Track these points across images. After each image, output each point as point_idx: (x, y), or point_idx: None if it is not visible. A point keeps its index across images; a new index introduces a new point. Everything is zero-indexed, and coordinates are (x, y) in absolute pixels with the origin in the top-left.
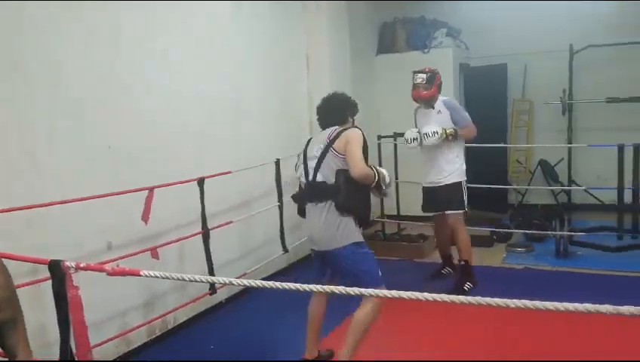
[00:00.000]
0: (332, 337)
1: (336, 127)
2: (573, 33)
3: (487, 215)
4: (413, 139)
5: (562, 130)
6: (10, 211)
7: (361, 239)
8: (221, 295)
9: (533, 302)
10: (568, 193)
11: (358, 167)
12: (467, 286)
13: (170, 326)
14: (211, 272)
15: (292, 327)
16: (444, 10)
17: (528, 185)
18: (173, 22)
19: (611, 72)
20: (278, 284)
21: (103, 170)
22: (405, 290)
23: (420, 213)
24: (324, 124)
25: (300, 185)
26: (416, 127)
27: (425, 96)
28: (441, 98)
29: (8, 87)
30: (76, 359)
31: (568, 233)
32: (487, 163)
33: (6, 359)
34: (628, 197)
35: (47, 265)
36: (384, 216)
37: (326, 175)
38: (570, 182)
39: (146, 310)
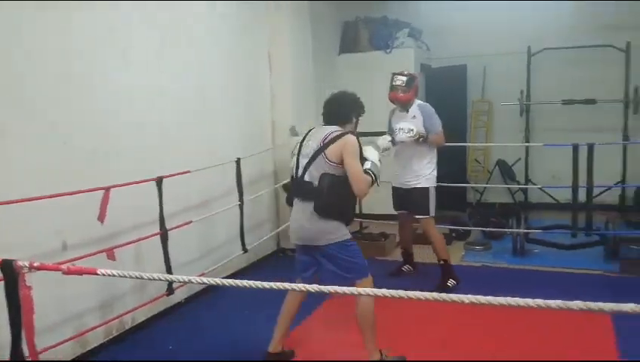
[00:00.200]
0: (292, 336)
1: (335, 128)
2: (532, 35)
3: (446, 213)
4: (386, 149)
5: (520, 130)
6: None
7: (348, 236)
8: (180, 294)
9: (487, 297)
10: (525, 192)
11: (357, 189)
12: (450, 282)
13: (127, 327)
14: (169, 273)
15: (251, 326)
16: (405, 11)
17: (486, 184)
18: (135, 20)
19: (567, 74)
20: (230, 282)
21: (58, 168)
22: None
23: (382, 212)
24: (326, 120)
25: (292, 174)
26: (389, 127)
27: (402, 98)
28: (417, 102)
29: None
30: (28, 360)
31: (525, 231)
32: (446, 162)
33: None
34: (582, 196)
35: None
36: None
37: (313, 176)
38: (527, 181)
39: (104, 310)
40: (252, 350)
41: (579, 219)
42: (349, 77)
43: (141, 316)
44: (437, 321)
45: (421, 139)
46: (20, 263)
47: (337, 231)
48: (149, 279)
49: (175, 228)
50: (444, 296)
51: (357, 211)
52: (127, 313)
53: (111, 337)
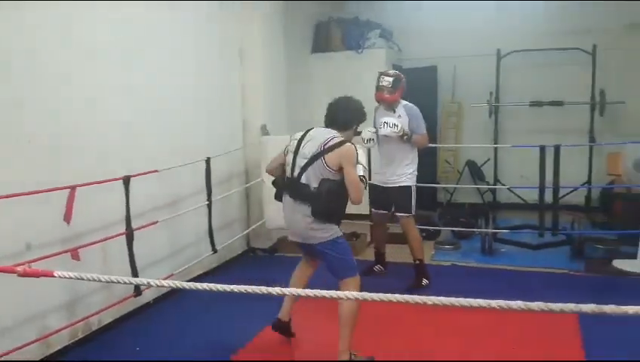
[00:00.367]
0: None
1: (335, 134)
2: (501, 38)
3: (417, 213)
4: (370, 140)
5: (489, 131)
6: None
7: (339, 233)
8: (149, 295)
9: (450, 299)
10: (494, 192)
11: (354, 198)
12: (424, 282)
13: (94, 328)
14: (135, 273)
15: (220, 327)
16: (376, 12)
17: (456, 185)
18: (101, 17)
19: (535, 76)
20: (190, 285)
21: (22, 167)
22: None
23: (353, 212)
24: (328, 123)
25: (285, 170)
26: (374, 125)
27: (388, 99)
28: (402, 103)
29: None
30: None
31: (493, 231)
32: (417, 162)
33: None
34: (550, 196)
35: None
36: None
37: (310, 179)
38: (496, 181)
39: (69, 312)
40: (221, 350)
41: (545, 219)
42: (321, 76)
43: (108, 317)
44: (405, 321)
45: (405, 137)
46: None
47: (329, 230)
48: (107, 282)
49: (141, 227)
50: (407, 297)
51: None
52: (93, 314)
53: (76, 339)
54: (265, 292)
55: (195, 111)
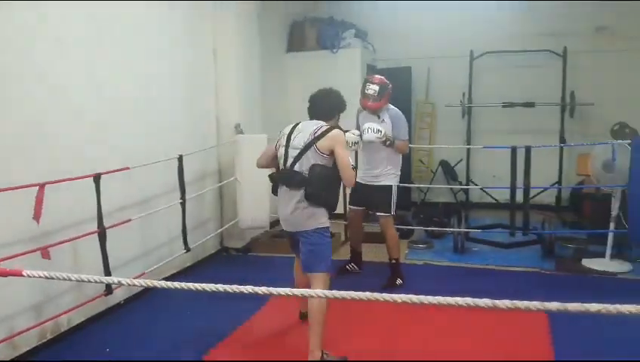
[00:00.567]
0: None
1: (322, 123)
2: (474, 39)
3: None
4: (355, 143)
5: (462, 132)
6: None
7: (327, 224)
8: (120, 295)
9: (419, 296)
10: (466, 192)
11: (347, 177)
12: (398, 281)
13: (63, 329)
14: (107, 272)
15: (192, 327)
16: (351, 12)
17: (430, 184)
18: (70, 10)
19: (508, 77)
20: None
21: None
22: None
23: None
24: (313, 115)
25: (277, 165)
26: (357, 125)
27: (373, 107)
28: (388, 107)
29: None
30: None
31: (465, 230)
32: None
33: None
34: (521, 196)
35: None
36: None
37: (304, 167)
38: (468, 181)
39: (37, 312)
40: (192, 350)
41: (517, 218)
42: (296, 75)
43: (78, 317)
44: (377, 320)
45: (387, 143)
46: None
47: (318, 219)
48: (77, 281)
49: (113, 226)
50: (376, 295)
51: None
52: (62, 314)
53: (45, 340)
54: (236, 291)
55: (169, 110)
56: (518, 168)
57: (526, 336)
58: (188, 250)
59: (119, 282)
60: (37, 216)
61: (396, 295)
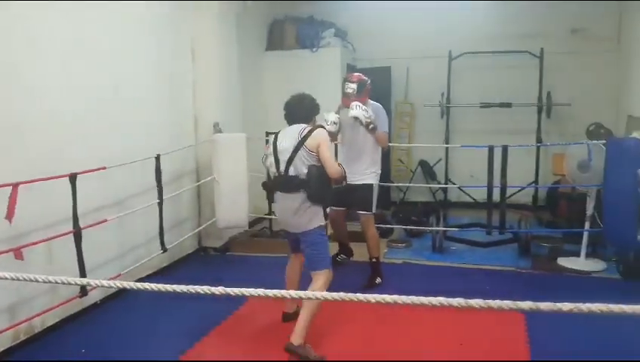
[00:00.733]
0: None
1: (304, 125)
2: (453, 40)
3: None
4: (333, 122)
5: (441, 131)
6: None
7: (322, 222)
8: (96, 295)
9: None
10: (445, 191)
11: (333, 172)
12: (378, 280)
13: (37, 331)
14: (83, 273)
15: (168, 327)
16: (331, 12)
17: (409, 184)
18: (45, 8)
19: (486, 78)
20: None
21: None
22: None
23: None
24: (292, 120)
25: (268, 174)
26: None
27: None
28: (370, 102)
29: None
30: None
31: (443, 229)
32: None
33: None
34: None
35: None
36: (271, 213)
37: (298, 169)
38: (447, 180)
39: (11, 314)
40: (169, 351)
41: (494, 217)
42: (276, 74)
43: (53, 319)
44: (355, 320)
45: (371, 126)
46: None
47: (316, 220)
48: (48, 282)
49: (89, 226)
50: (350, 295)
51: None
52: (36, 316)
53: (19, 341)
54: (208, 292)
55: (146, 109)
56: (495, 168)
57: (502, 335)
58: (165, 250)
59: (88, 283)
60: (10, 216)
61: (370, 295)
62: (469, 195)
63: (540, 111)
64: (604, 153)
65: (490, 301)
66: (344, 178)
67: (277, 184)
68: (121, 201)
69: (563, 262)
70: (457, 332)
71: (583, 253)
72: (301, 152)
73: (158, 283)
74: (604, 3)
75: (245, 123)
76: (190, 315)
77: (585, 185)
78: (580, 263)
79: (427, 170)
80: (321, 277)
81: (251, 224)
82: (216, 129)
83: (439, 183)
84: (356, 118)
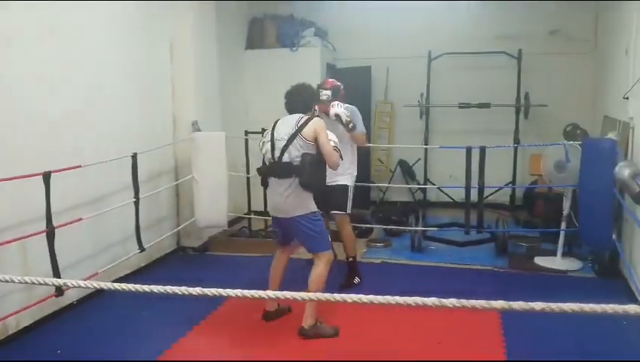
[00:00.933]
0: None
1: (302, 114)
2: (432, 41)
3: (351, 211)
4: (337, 115)
5: (420, 131)
6: None
7: (315, 208)
8: (72, 295)
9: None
10: (424, 191)
11: (332, 161)
12: (356, 280)
13: (11, 331)
14: (56, 273)
15: (146, 327)
16: (311, 11)
17: (389, 183)
18: (20, 7)
19: (465, 78)
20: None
21: None
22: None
23: None
24: (292, 109)
25: (264, 160)
26: None
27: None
28: (345, 105)
29: None
30: None
31: (422, 229)
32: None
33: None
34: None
35: None
36: (251, 212)
37: (292, 156)
38: (426, 180)
39: None
40: (147, 351)
41: (472, 217)
42: (255, 73)
43: (28, 319)
44: (332, 320)
45: (351, 125)
46: None
47: (308, 204)
48: (19, 282)
49: (63, 225)
50: (327, 295)
51: (263, 209)
52: (10, 316)
53: None
54: (186, 293)
55: (123, 107)
56: (473, 168)
57: (478, 333)
58: (142, 249)
59: (65, 284)
60: None
61: (347, 295)
62: (447, 195)
63: (517, 112)
64: (580, 153)
65: (464, 300)
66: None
67: (271, 170)
68: (97, 200)
69: (540, 261)
70: (435, 331)
71: (559, 252)
72: (297, 140)
73: (135, 283)
74: (581, 5)
75: (225, 121)
76: (168, 315)
77: (561, 185)
78: (556, 262)
79: (406, 169)
80: (322, 259)
81: (230, 223)
82: (195, 127)
83: (418, 183)
84: (338, 116)
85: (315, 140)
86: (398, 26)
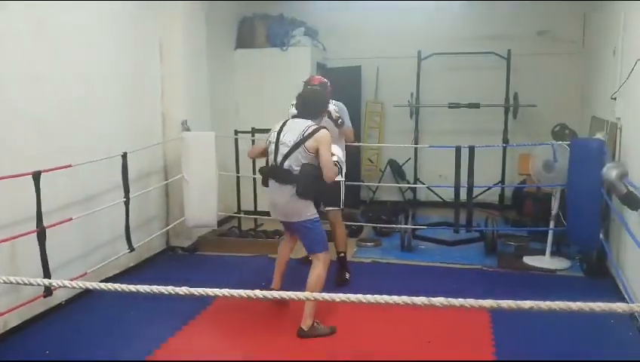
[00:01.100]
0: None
1: (310, 123)
2: (422, 41)
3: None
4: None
5: (410, 131)
6: None
7: (315, 215)
8: (61, 295)
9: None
10: (414, 190)
11: (329, 175)
12: (347, 274)
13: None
14: (46, 273)
15: (135, 326)
16: (301, 11)
17: (379, 183)
18: (8, 3)
19: (454, 78)
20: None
21: None
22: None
23: None
24: (302, 114)
25: (267, 160)
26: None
27: None
28: (333, 101)
29: None
30: None
31: (412, 228)
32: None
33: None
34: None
35: None
36: (241, 212)
37: (292, 165)
38: (416, 180)
39: None
40: (136, 351)
41: (461, 216)
42: (245, 72)
43: (15, 319)
44: (322, 319)
45: (339, 121)
46: None
47: (306, 211)
48: (5, 283)
49: (54, 225)
50: (316, 295)
51: (252, 209)
52: None
53: None
54: (172, 292)
55: (113, 106)
56: (462, 167)
57: (468, 332)
58: (132, 249)
59: (51, 284)
60: None
61: (335, 294)
62: (437, 195)
63: (507, 112)
64: (568, 153)
65: (452, 299)
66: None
67: (271, 173)
68: (87, 200)
69: (528, 260)
70: (425, 330)
71: (547, 251)
72: (299, 150)
73: (124, 283)
74: (569, 5)
75: (214, 121)
76: (157, 315)
77: (550, 185)
78: (544, 261)
79: (396, 169)
80: (319, 259)
81: (220, 223)
82: (185, 127)
83: (408, 183)
84: (327, 112)
85: (317, 151)
86: (388, 26)
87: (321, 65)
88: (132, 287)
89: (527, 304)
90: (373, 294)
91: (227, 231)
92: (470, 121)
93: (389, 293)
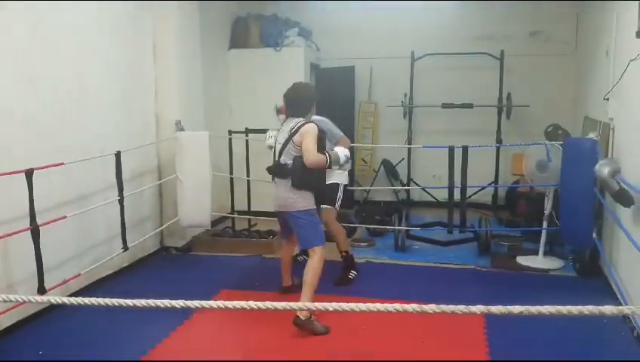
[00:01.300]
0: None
1: (299, 119)
2: (415, 41)
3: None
4: (270, 136)
5: (404, 131)
6: None
7: (312, 207)
8: (55, 295)
9: (350, 304)
10: (407, 191)
11: (308, 159)
12: (352, 274)
13: None
14: (40, 271)
15: (130, 327)
16: (295, 11)
17: (372, 183)
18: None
19: (447, 78)
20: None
21: None
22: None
23: (271, 209)
24: (291, 113)
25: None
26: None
27: None
28: (316, 118)
29: None
30: None
31: (405, 228)
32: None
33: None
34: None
35: None
36: (234, 212)
37: (287, 159)
38: (409, 180)
39: None
40: (130, 352)
41: (455, 217)
42: (239, 73)
43: (8, 319)
44: (319, 317)
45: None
46: None
47: (304, 203)
48: None
49: (47, 223)
50: (299, 305)
51: (246, 209)
52: None
53: None
54: (152, 305)
55: (106, 105)
56: (455, 168)
57: (462, 333)
58: (126, 249)
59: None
60: None
61: (328, 304)
62: (430, 195)
63: (500, 112)
64: (561, 153)
65: (443, 306)
66: (328, 164)
67: (272, 169)
68: (80, 199)
69: (522, 260)
70: (419, 331)
71: (541, 251)
72: (289, 146)
73: (118, 283)
74: (562, 6)
75: (208, 121)
76: (152, 316)
77: (543, 185)
78: (538, 261)
79: (390, 169)
80: (316, 253)
81: (214, 223)
82: (178, 127)
83: (402, 183)
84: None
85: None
86: (381, 27)
87: (314, 66)
88: (107, 301)
89: (517, 309)
90: (367, 294)
91: (221, 231)
92: (463, 121)
93: (383, 294)
